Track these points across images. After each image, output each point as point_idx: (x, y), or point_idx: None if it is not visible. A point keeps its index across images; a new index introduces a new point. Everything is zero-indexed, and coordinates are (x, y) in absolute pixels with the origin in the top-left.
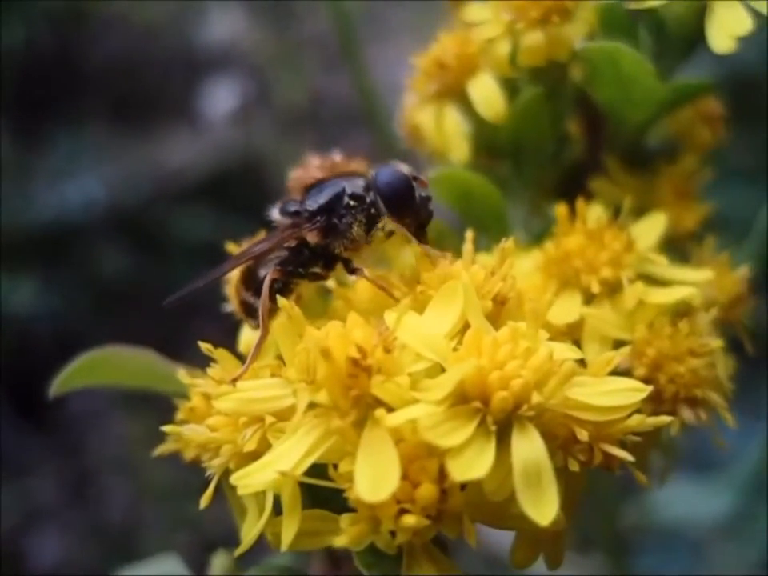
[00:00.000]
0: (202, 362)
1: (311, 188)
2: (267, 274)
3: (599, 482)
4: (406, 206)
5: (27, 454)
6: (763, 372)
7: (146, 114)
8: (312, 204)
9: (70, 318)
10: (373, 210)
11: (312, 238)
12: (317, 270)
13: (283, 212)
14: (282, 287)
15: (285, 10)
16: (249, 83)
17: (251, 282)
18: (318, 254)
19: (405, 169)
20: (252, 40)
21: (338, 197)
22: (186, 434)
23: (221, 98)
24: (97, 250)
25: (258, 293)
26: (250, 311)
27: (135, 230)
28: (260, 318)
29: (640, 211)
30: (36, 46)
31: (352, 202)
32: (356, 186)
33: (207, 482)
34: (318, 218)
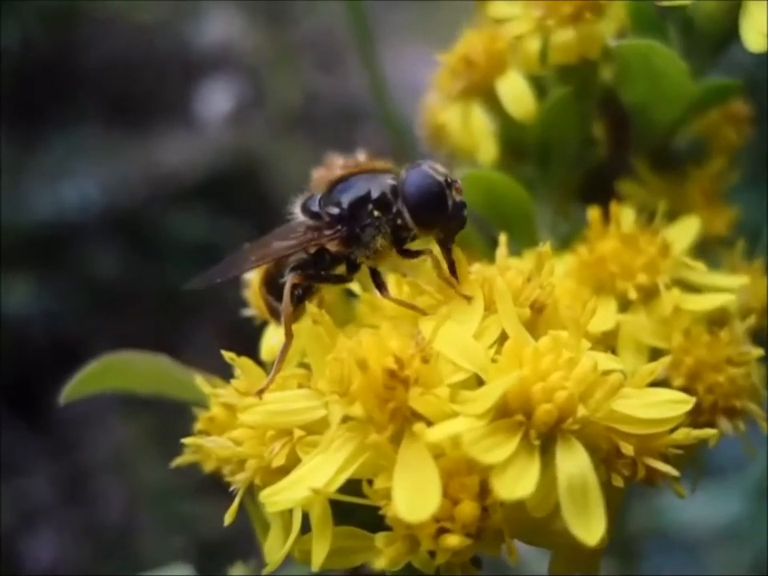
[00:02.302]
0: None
1: (336, 184)
2: (288, 278)
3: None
4: (435, 218)
5: (23, 454)
6: None
7: (141, 114)
8: (333, 209)
9: (65, 318)
10: (399, 221)
11: (332, 246)
12: (340, 272)
13: (305, 209)
14: (304, 291)
15: (280, 11)
16: (244, 84)
17: (272, 284)
18: (341, 259)
19: (439, 172)
20: (247, 41)
21: (362, 203)
22: (208, 447)
23: (216, 99)
24: (93, 250)
25: (279, 297)
26: (274, 314)
27: (131, 231)
28: (283, 326)
29: (669, 215)
30: (32, 46)
31: (376, 212)
32: (383, 189)
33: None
34: (339, 227)
